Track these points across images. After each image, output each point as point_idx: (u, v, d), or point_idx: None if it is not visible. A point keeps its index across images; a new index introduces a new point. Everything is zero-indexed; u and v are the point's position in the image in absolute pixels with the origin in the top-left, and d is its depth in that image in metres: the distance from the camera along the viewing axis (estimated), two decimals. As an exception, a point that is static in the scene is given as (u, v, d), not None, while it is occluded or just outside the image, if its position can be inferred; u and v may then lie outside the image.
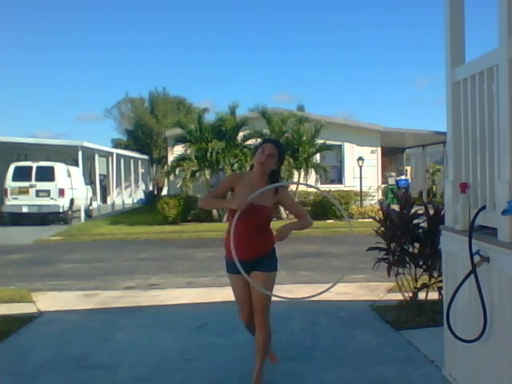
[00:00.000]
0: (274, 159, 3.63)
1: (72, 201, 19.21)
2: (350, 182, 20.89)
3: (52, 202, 18.36)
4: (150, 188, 34.76)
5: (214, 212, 18.65)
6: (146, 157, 33.37)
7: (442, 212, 5.04)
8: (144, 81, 72.47)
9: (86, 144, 20.63)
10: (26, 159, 21.89)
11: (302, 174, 18.75)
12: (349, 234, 14.69)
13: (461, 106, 3.63)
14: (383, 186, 23.37)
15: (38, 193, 18.37)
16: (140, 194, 31.56)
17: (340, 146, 21.06)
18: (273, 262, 3.70)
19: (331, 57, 71.60)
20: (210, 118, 20.39)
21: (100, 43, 66.08)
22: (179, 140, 19.11)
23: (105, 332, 5.35)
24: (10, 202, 18.26)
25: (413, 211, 5.80)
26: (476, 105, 3.40)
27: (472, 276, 3.11)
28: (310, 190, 19.70)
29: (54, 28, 63.84)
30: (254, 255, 3.62)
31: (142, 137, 37.43)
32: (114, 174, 25.04)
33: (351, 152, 21.05)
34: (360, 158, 20.03)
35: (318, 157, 20.01)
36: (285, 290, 7.37)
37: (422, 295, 5.74)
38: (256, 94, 69.85)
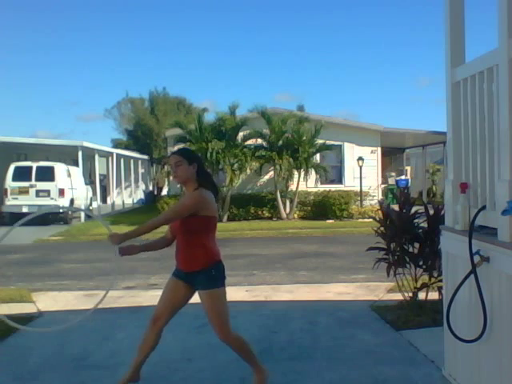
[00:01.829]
0: (182, 166, 3.52)
1: (72, 201, 19.20)
2: (350, 182, 20.88)
3: (52, 202, 18.35)
4: (150, 188, 34.76)
5: (214, 212, 18.62)
6: (145, 157, 33.37)
7: (442, 212, 5.04)
8: (144, 81, 72.60)
9: (85, 144, 20.63)
10: (26, 159, 21.89)
11: (302, 173, 18.75)
12: (349, 234, 14.68)
13: (461, 106, 3.63)
14: (383, 186, 23.36)
15: (37, 193, 18.37)
16: (140, 194, 31.56)
17: (340, 145, 21.04)
18: (208, 280, 3.53)
19: (332, 57, 71.67)
20: (209, 117, 20.39)
21: (100, 43, 66.12)
22: (179, 140, 19.10)
23: (105, 332, 5.35)
24: (10, 202, 18.26)
25: (413, 211, 5.81)
26: (476, 105, 3.40)
27: (472, 276, 3.11)
28: (310, 189, 19.71)
29: (54, 28, 63.96)
30: (185, 268, 3.60)
31: (141, 137, 37.42)
32: (113, 174, 25.03)
33: (351, 152, 21.04)
34: (360, 158, 20.02)
35: (318, 157, 20.01)
36: (285, 290, 7.39)
37: (422, 295, 5.74)
38: (257, 94, 69.99)
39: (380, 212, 6.29)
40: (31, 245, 13.70)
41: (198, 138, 18.47)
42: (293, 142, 18.61)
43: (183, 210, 3.46)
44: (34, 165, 18.80)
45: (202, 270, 3.51)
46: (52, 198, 18.36)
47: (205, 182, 3.58)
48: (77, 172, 20.41)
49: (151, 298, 7.00)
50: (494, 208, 3.12)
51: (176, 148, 19.84)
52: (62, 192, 18.54)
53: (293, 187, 19.22)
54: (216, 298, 3.54)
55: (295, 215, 19.45)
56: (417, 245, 5.74)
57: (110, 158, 24.74)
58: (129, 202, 27.79)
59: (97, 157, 22.66)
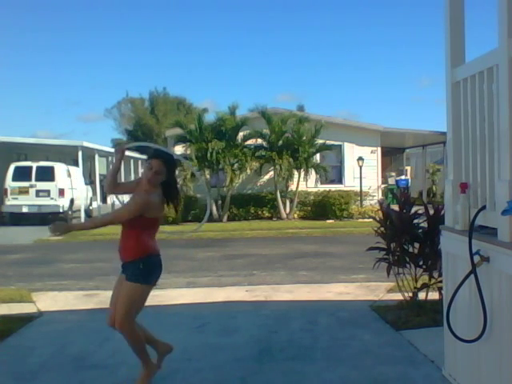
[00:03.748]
0: (161, 176, 3.68)
1: (72, 201, 19.21)
2: (350, 182, 20.88)
3: (52, 202, 18.36)
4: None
5: (214, 212, 18.65)
6: (146, 157, 33.37)
7: (442, 212, 5.04)
8: (144, 81, 72.76)
9: (85, 144, 20.62)
10: (26, 159, 21.88)
11: (302, 173, 18.76)
12: (349, 234, 14.68)
13: (461, 106, 3.63)
14: (383, 186, 23.36)
15: (37, 193, 18.37)
16: (140, 194, 31.51)
17: (340, 145, 21.04)
18: (133, 272, 3.65)
19: (332, 57, 71.72)
20: (210, 117, 20.41)
21: (100, 43, 66.26)
22: (179, 140, 19.11)
23: (105, 332, 5.31)
24: (10, 202, 18.26)
25: (413, 211, 5.80)
26: (476, 105, 3.40)
27: (472, 276, 3.11)
28: (310, 189, 19.71)
29: (54, 28, 64.06)
30: (121, 258, 3.73)
31: (142, 137, 37.46)
32: (113, 173, 25.01)
33: (351, 152, 21.04)
34: (360, 158, 20.02)
35: (318, 157, 20.01)
36: (285, 290, 7.39)
37: (422, 295, 5.74)
38: (257, 94, 70.08)
39: (380, 212, 6.29)
40: (31, 245, 13.70)
41: (198, 138, 18.48)
42: (293, 142, 18.61)
43: (133, 212, 3.55)
44: (34, 165, 18.80)
45: (132, 262, 3.63)
46: (52, 198, 18.37)
47: (167, 187, 3.74)
48: (77, 172, 20.42)
49: (151, 297, 6.98)
50: (494, 208, 3.12)
51: (176, 148, 19.92)
52: (61, 192, 18.54)
53: (293, 187, 19.23)
54: (134, 291, 3.64)
55: (295, 215, 19.46)
56: (417, 245, 5.74)
57: (110, 158, 24.74)
58: (129, 201, 27.76)
59: (97, 157, 22.65)
